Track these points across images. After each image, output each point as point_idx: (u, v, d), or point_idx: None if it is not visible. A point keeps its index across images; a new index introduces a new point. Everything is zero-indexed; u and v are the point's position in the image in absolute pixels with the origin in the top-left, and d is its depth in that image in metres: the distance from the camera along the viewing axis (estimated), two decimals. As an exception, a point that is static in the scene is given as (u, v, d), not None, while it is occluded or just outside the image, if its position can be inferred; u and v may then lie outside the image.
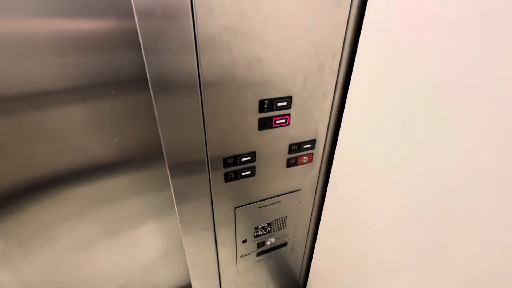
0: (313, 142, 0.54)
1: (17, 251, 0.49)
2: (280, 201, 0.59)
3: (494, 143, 0.28)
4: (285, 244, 0.69)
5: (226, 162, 0.48)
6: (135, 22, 0.33)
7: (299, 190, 0.60)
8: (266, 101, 0.45)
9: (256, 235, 0.62)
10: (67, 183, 0.46)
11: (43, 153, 0.42)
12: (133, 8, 0.32)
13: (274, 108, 0.46)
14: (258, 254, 0.67)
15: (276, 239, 0.66)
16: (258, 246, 0.65)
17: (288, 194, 0.59)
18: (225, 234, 0.59)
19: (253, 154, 0.50)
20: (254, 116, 0.46)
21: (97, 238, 0.54)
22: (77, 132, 0.42)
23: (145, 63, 0.35)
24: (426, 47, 0.33)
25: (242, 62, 0.40)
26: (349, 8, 0.41)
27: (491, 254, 0.31)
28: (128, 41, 0.38)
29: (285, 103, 0.46)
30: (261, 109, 0.45)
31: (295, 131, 0.51)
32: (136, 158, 0.49)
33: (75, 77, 0.38)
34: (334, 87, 0.49)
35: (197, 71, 0.38)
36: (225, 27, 0.36)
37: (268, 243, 0.66)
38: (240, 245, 0.62)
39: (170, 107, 0.39)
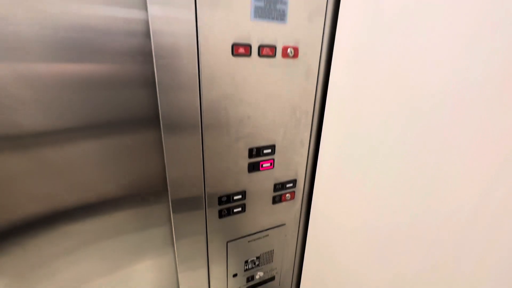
0: (294, 181, 0.64)
1: (17, 285, 0.51)
2: (268, 235, 0.66)
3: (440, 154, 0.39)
4: (272, 278, 0.74)
5: (220, 200, 0.56)
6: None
7: (284, 224, 0.68)
8: (254, 149, 0.55)
9: (246, 268, 0.67)
10: (69, 217, 0.49)
11: (47, 188, 0.46)
12: (156, 81, 0.43)
13: (261, 154, 0.56)
14: (248, 289, 0.70)
15: (264, 273, 0.71)
16: (248, 280, 0.69)
17: (275, 228, 0.67)
18: (218, 268, 0.63)
19: (243, 193, 0.58)
20: (245, 161, 0.55)
21: (95, 273, 0.57)
22: (80, 168, 0.46)
23: (160, 117, 0.45)
24: (372, 109, 0.46)
25: (235, 119, 0.51)
26: (316, 80, 0.55)
27: (474, 262, 0.36)
28: (136, 86, 0.44)
29: (269, 150, 0.57)
30: (250, 155, 0.55)
31: (279, 173, 0.61)
32: (136, 194, 0.54)
33: (81, 117, 0.43)
34: (309, 136, 0.61)
35: (200, 125, 0.48)
36: (223, 95, 0.48)
37: (257, 277, 0.70)
38: (231, 279, 0.66)
39: (176, 148, 0.48)
